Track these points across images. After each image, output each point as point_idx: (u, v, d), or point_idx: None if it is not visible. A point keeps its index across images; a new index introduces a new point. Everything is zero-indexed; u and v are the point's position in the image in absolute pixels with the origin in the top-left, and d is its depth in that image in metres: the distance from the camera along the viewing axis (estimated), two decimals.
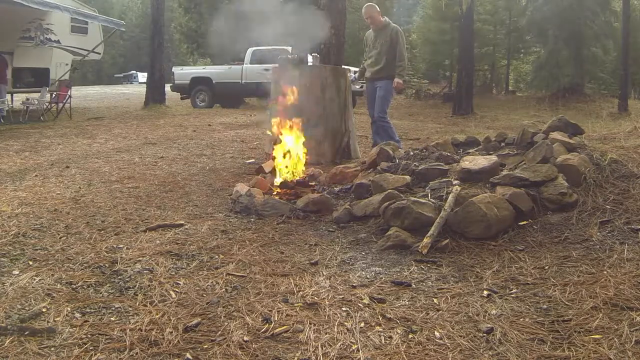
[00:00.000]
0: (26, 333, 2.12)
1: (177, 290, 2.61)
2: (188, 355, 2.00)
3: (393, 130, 6.55)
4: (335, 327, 2.22)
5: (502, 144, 4.69)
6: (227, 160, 6.58)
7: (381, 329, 2.21)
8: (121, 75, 44.02)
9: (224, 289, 2.63)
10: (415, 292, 2.59)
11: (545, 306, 2.38)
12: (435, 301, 2.48)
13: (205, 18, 24.66)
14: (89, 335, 2.13)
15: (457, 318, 2.30)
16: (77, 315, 2.31)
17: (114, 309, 2.38)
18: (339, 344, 2.08)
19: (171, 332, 2.16)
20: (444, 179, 3.87)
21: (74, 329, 2.18)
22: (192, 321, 2.26)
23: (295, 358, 2.00)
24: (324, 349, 2.05)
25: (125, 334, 2.14)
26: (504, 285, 2.63)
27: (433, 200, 3.50)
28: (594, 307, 2.31)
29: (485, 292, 2.55)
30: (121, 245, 3.24)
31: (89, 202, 4.33)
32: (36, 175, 5.39)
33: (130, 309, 2.39)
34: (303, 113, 6.14)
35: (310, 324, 2.24)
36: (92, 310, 2.36)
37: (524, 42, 25.64)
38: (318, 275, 2.81)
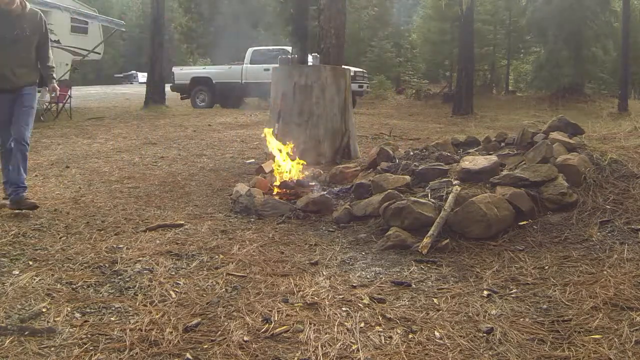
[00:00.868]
0: (26, 333, 2.12)
1: (177, 290, 2.61)
2: (188, 355, 2.00)
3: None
4: (335, 327, 2.22)
5: (502, 144, 4.70)
6: (227, 160, 6.58)
7: (381, 329, 2.21)
8: (121, 75, 44.01)
9: (224, 289, 2.63)
10: (415, 292, 2.59)
11: (545, 306, 2.38)
12: (435, 301, 2.48)
13: (205, 18, 24.65)
14: (89, 335, 2.13)
15: (457, 318, 2.30)
16: (77, 315, 2.31)
17: (114, 309, 2.38)
18: (339, 344, 2.08)
19: (171, 332, 2.16)
20: (444, 179, 3.87)
21: (74, 329, 2.18)
22: (192, 321, 2.26)
23: (295, 358, 2.00)
24: (324, 349, 2.05)
25: (125, 334, 2.14)
26: (504, 285, 2.63)
27: (433, 200, 3.50)
28: (594, 307, 2.31)
29: (485, 292, 2.55)
30: (121, 245, 3.24)
31: (89, 202, 4.33)
32: (36, 175, 5.39)
33: (130, 309, 2.39)
34: (303, 113, 6.16)
35: (310, 324, 2.24)
36: (92, 310, 2.36)
37: (524, 42, 25.64)
38: (318, 275, 2.81)
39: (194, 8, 25.33)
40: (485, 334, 2.15)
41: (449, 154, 4.49)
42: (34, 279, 2.65)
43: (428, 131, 10.62)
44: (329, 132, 6.33)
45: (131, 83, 40.22)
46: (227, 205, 4.29)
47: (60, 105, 11.92)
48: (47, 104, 11.77)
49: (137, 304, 2.44)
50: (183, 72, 16.85)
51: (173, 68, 17.40)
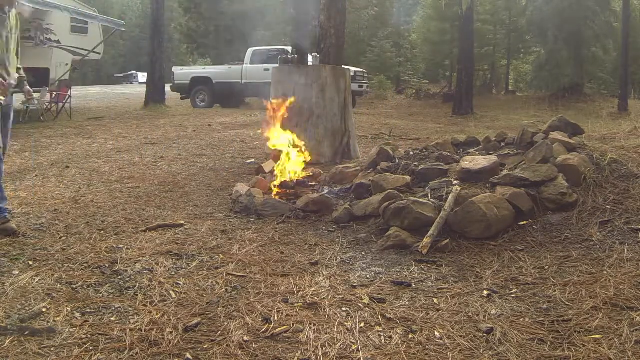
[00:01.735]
0: (26, 333, 2.12)
1: (177, 290, 2.61)
2: (188, 355, 2.00)
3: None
4: (335, 327, 2.22)
5: (502, 144, 4.69)
6: (227, 160, 6.58)
7: (381, 329, 2.21)
8: (121, 75, 44.00)
9: (224, 289, 2.63)
10: (415, 292, 2.59)
11: (545, 306, 2.38)
12: (435, 301, 2.48)
13: (205, 18, 24.63)
14: (89, 335, 2.13)
15: (457, 318, 2.30)
16: (77, 315, 2.31)
17: (114, 309, 2.38)
18: (339, 344, 2.08)
19: (171, 332, 2.16)
20: (444, 179, 3.87)
21: (74, 329, 2.18)
22: (192, 321, 2.26)
23: (295, 358, 2.00)
24: (324, 349, 2.05)
25: (125, 334, 2.14)
26: (504, 285, 2.63)
27: (433, 200, 3.50)
28: (594, 307, 2.31)
29: (485, 292, 2.55)
30: (121, 245, 3.24)
31: (89, 202, 4.33)
32: (36, 175, 5.39)
33: (130, 309, 2.39)
34: (303, 113, 6.15)
35: (310, 324, 2.24)
36: (92, 310, 2.36)
37: (524, 42, 25.62)
38: (318, 275, 2.81)
39: (194, 8, 25.32)
40: (485, 334, 2.15)
41: (449, 154, 4.49)
42: (34, 279, 2.65)
43: (428, 131, 10.62)
44: (329, 132, 6.33)
45: (131, 83, 40.21)
46: (227, 205, 4.29)
47: (60, 105, 11.92)
48: (47, 103, 11.78)
49: (137, 304, 2.44)
50: (183, 72, 16.85)
51: (173, 68, 17.40)
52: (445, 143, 4.98)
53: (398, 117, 14.19)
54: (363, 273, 2.86)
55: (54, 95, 12.00)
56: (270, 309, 2.39)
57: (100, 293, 2.55)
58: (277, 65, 7.18)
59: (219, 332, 2.19)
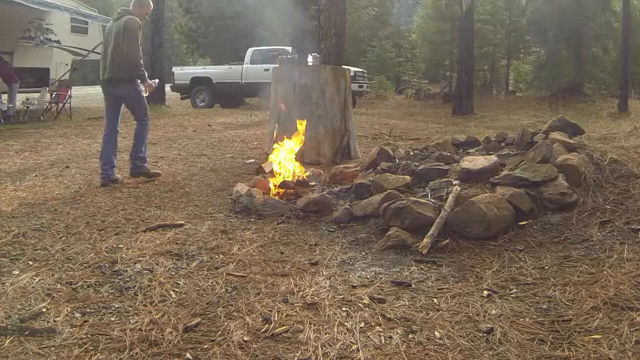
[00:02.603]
0: (26, 333, 2.12)
1: (177, 290, 2.61)
2: (188, 355, 2.00)
3: None
4: (335, 327, 2.22)
5: (502, 144, 4.70)
6: (227, 160, 6.58)
7: (381, 329, 2.21)
8: None
9: (224, 289, 2.63)
10: (415, 292, 2.59)
11: (545, 306, 2.38)
12: (435, 301, 2.48)
13: (205, 18, 24.64)
14: (89, 335, 2.13)
15: (457, 318, 2.30)
16: (77, 315, 2.31)
17: (114, 309, 2.38)
18: (339, 344, 2.08)
19: (171, 332, 2.16)
20: (444, 179, 3.87)
21: (74, 329, 2.18)
22: (192, 321, 2.26)
23: (295, 358, 2.00)
24: (324, 349, 2.05)
25: (125, 334, 2.14)
26: (504, 285, 2.63)
27: (433, 200, 3.50)
28: (594, 307, 2.31)
29: (485, 292, 2.55)
30: (121, 245, 3.24)
31: (89, 202, 4.33)
32: (36, 175, 5.39)
33: (130, 309, 2.39)
34: (303, 113, 6.16)
35: (310, 324, 2.24)
36: (92, 310, 2.36)
37: (524, 42, 25.64)
38: (318, 275, 2.81)
39: (194, 8, 25.32)
40: (485, 334, 2.15)
41: (449, 154, 4.49)
42: (34, 279, 2.65)
43: (428, 131, 10.63)
44: (329, 132, 6.33)
45: None
46: (227, 205, 4.29)
47: (60, 105, 11.92)
48: (47, 103, 11.78)
49: (137, 304, 2.44)
50: (183, 72, 16.85)
51: (173, 68, 17.40)
52: (445, 143, 4.98)
53: (398, 117, 14.18)
54: (363, 273, 2.86)
55: (54, 95, 12.00)
56: (270, 309, 2.39)
57: (100, 293, 2.55)
58: (277, 65, 7.18)
59: (219, 332, 2.19)
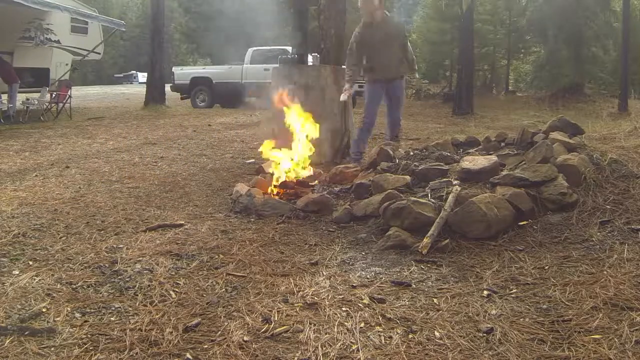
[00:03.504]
0: (26, 333, 2.12)
1: (177, 290, 2.61)
2: (188, 355, 2.00)
3: None
4: (335, 327, 2.22)
5: (502, 144, 4.69)
6: (227, 160, 6.58)
7: (381, 329, 2.21)
8: (121, 75, 43.97)
9: (224, 289, 2.63)
10: (415, 292, 2.59)
11: (545, 306, 2.38)
12: (435, 301, 2.48)
13: (205, 18, 24.64)
14: (89, 335, 2.13)
15: (457, 318, 2.30)
16: (77, 315, 2.31)
17: (114, 309, 2.38)
18: (339, 344, 2.08)
19: (171, 332, 2.16)
20: (444, 179, 3.86)
21: (74, 329, 2.18)
22: (192, 321, 2.26)
23: (295, 358, 2.00)
24: (324, 349, 2.05)
25: (125, 334, 2.14)
26: (504, 285, 2.63)
27: (433, 200, 3.50)
28: (594, 307, 2.31)
29: (485, 292, 2.55)
30: (121, 245, 3.24)
31: (89, 202, 4.33)
32: (36, 175, 5.39)
33: (130, 309, 2.39)
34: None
35: (310, 324, 2.24)
36: (92, 310, 2.36)
37: (524, 42, 25.60)
38: (318, 275, 2.81)
39: (194, 8, 25.33)
40: (485, 334, 2.15)
41: (449, 154, 4.49)
42: (34, 279, 2.65)
43: (428, 131, 10.61)
44: (329, 132, 6.32)
45: (131, 83, 40.23)
46: (227, 205, 4.29)
47: (60, 105, 11.92)
48: (47, 103, 11.79)
49: (137, 304, 2.44)
50: (183, 72, 16.86)
51: (173, 68, 17.41)
52: (445, 143, 4.98)
53: None
54: (363, 273, 2.86)
55: (54, 95, 12.01)
56: (270, 309, 2.39)
57: (100, 293, 2.55)
58: (277, 65, 7.18)
59: (219, 332, 2.19)
